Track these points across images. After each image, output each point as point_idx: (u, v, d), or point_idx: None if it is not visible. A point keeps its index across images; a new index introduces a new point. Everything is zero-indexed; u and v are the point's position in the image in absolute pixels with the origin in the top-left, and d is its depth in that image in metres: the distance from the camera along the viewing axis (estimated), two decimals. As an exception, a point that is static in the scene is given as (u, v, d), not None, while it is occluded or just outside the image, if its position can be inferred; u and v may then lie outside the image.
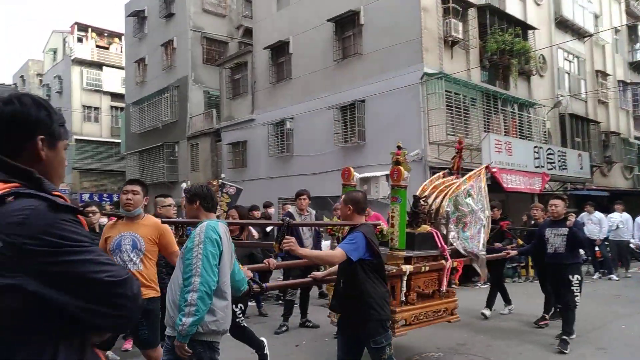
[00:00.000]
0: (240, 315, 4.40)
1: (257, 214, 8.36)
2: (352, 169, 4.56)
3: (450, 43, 12.74)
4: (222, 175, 9.82)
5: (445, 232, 4.80)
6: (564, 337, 5.20)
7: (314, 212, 7.05)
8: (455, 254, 4.85)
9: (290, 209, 7.17)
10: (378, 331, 3.18)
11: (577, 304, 5.35)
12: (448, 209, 4.79)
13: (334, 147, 14.40)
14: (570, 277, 5.35)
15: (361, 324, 3.23)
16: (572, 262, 5.44)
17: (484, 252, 5.10)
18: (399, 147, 4.50)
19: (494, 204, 7.03)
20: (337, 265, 3.45)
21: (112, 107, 31.10)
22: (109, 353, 4.65)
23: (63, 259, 1.03)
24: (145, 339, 3.61)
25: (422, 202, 4.91)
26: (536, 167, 13.09)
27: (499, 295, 7.01)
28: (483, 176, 5.49)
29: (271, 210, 8.22)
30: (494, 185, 11.96)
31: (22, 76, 38.02)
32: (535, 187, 12.63)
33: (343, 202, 3.41)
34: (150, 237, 3.54)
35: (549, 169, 13.51)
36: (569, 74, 17.70)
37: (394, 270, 4.05)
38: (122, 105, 27.79)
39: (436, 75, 12.04)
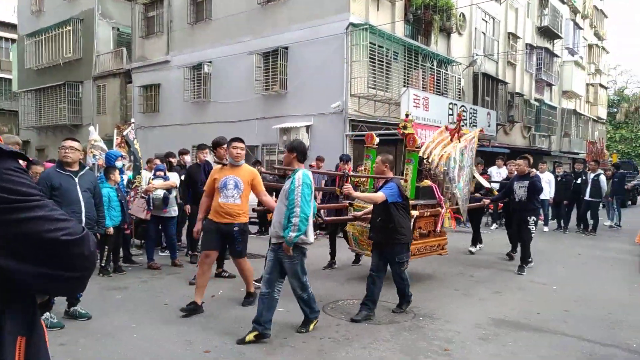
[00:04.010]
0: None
1: (174, 161, 7.99)
2: (374, 135, 6.30)
3: (376, -7, 12.59)
4: (132, 120, 9.08)
5: (443, 185, 6.12)
6: (522, 264, 6.80)
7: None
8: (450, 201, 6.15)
9: (208, 157, 6.84)
10: (403, 250, 4.60)
11: (532, 237, 6.90)
12: (445, 167, 5.84)
13: (254, 95, 13.92)
14: (528, 217, 6.83)
15: (391, 245, 4.54)
16: (531, 207, 6.90)
17: (467, 201, 6.54)
18: (406, 115, 5.55)
19: (478, 161, 7.95)
20: (371, 207, 4.86)
21: (0, 37, 27.38)
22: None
23: (12, 217, 0.84)
24: (239, 251, 4.82)
25: (425, 162, 6.03)
26: (450, 123, 13.67)
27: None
28: (476, 138, 6.69)
29: (187, 158, 7.81)
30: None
31: None
32: (448, 142, 13.25)
33: (381, 162, 4.77)
34: (247, 180, 4.71)
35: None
36: (484, 34, 18.41)
37: None
38: (14, 36, 24.55)
39: (361, 26, 11.88)
